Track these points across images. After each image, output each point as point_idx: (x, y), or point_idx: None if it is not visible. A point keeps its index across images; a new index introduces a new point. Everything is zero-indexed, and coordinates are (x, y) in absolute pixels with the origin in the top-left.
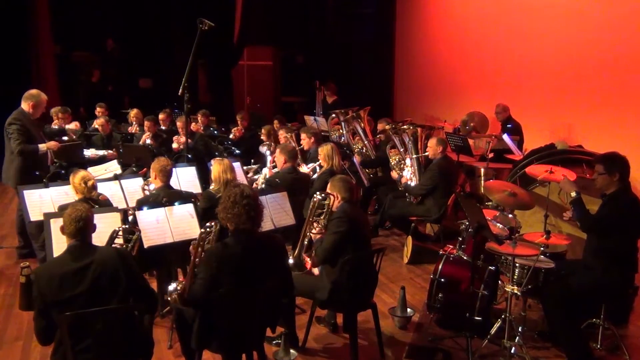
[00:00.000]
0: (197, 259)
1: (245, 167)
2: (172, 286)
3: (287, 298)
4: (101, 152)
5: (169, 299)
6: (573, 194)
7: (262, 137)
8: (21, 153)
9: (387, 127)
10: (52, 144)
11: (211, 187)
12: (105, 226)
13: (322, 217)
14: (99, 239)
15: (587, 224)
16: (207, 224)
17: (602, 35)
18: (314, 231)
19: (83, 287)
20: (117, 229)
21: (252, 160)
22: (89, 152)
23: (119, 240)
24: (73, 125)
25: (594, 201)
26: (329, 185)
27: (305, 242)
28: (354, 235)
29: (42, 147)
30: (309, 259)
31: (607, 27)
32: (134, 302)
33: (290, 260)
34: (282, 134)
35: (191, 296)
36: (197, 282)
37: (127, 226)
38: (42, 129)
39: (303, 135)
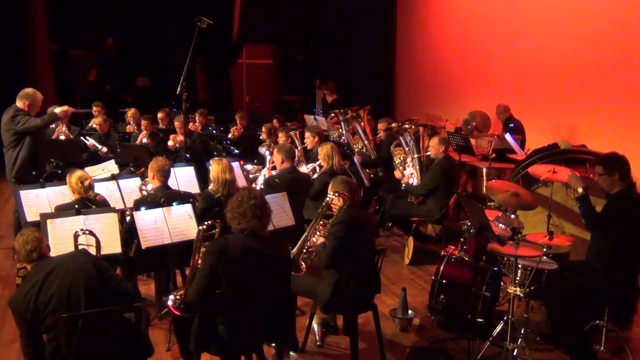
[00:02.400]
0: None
1: (247, 167)
2: (170, 298)
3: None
4: (100, 146)
5: (169, 302)
6: (580, 190)
7: (262, 136)
8: (43, 124)
9: (394, 125)
10: (66, 107)
11: (210, 187)
12: (102, 227)
13: (329, 221)
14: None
15: (591, 221)
16: (206, 222)
17: (606, 33)
18: (318, 234)
19: (53, 290)
20: (77, 231)
21: (255, 161)
22: (90, 141)
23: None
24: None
25: (598, 202)
26: (330, 186)
27: (305, 248)
28: (357, 240)
29: (58, 110)
30: (303, 263)
31: (610, 26)
32: (114, 302)
33: None
34: (282, 136)
35: (191, 293)
36: (197, 276)
37: (85, 229)
38: None
39: (307, 134)
